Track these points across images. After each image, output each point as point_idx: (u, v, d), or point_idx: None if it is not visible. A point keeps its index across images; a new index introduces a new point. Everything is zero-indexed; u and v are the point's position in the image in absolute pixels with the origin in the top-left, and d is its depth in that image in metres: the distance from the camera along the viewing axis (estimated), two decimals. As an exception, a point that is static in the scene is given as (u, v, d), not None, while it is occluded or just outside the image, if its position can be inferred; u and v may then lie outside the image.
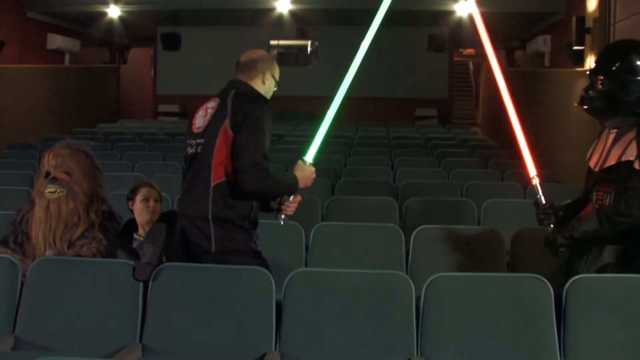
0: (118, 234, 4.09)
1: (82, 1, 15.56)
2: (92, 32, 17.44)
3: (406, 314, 3.34)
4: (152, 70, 20.28)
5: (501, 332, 3.29)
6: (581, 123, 9.07)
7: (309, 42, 19.07)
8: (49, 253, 3.83)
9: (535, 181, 3.75)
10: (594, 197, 3.60)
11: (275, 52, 19.01)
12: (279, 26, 16.58)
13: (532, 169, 3.77)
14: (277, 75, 3.84)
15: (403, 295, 3.37)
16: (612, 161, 3.52)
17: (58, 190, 3.86)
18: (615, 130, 3.58)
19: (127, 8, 15.72)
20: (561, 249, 3.51)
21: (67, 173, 3.92)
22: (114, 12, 15.83)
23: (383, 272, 3.53)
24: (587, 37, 10.08)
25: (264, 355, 3.27)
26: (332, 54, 18.03)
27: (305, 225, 4.81)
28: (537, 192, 3.75)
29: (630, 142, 3.49)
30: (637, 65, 3.53)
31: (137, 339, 3.39)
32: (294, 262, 4.50)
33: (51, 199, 3.86)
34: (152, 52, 20.17)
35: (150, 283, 3.43)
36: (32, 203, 4.00)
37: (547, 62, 13.96)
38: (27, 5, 15.11)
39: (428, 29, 17.37)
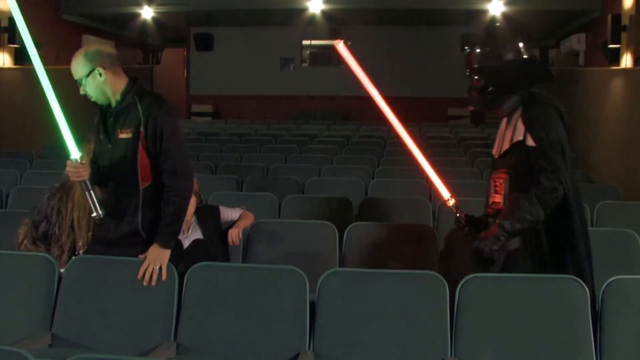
0: None
1: (116, 3, 15.70)
2: (125, 33, 17.60)
3: (440, 315, 3.34)
4: (185, 70, 20.40)
5: (536, 333, 3.26)
6: (616, 122, 8.98)
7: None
8: (86, 245, 3.88)
9: (452, 202, 3.66)
10: (492, 184, 3.59)
11: (308, 52, 19.06)
12: (311, 26, 16.59)
13: (444, 193, 3.68)
14: None
15: (437, 296, 3.37)
16: (506, 146, 3.52)
17: None
18: (507, 115, 3.60)
19: (161, 9, 15.84)
20: (495, 257, 3.40)
21: None
22: (147, 13, 15.96)
23: (417, 273, 3.52)
24: (623, 35, 9.97)
25: (298, 354, 3.27)
26: (365, 53, 18.00)
27: (338, 225, 4.81)
28: (457, 212, 3.66)
29: (517, 122, 3.48)
30: (500, 51, 3.52)
31: (172, 337, 3.41)
32: (327, 262, 4.50)
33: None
34: (185, 53, 20.29)
35: (185, 281, 3.45)
36: (63, 190, 4.01)
37: (581, 60, 13.81)
38: (62, 8, 15.30)
39: (461, 27, 17.26)
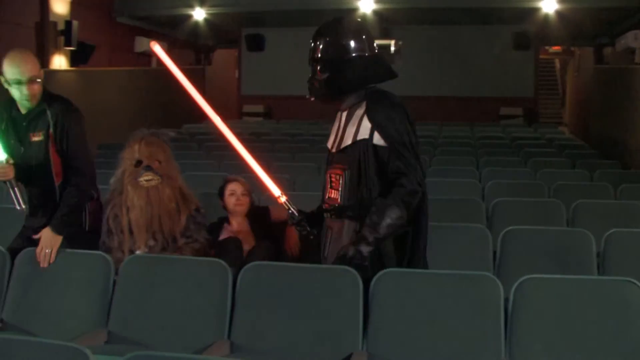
0: (208, 229, 4.23)
1: (169, 5, 15.88)
2: (178, 34, 17.78)
3: (494, 316, 3.29)
4: (236, 71, 20.54)
5: (592, 336, 3.20)
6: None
7: (393, 42, 18.97)
8: (147, 246, 3.93)
9: (283, 199, 3.62)
10: (328, 179, 3.54)
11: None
12: (362, 26, 16.54)
13: (275, 190, 3.64)
14: (5, 75, 3.73)
15: (491, 297, 3.32)
16: (348, 141, 3.44)
17: (155, 178, 3.95)
18: (347, 109, 3.51)
19: (212, 10, 15.97)
20: (365, 263, 3.30)
21: (159, 161, 4.01)
22: (199, 14, 16.11)
23: (471, 274, 3.49)
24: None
25: (351, 355, 3.27)
26: (416, 53, 17.93)
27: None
28: (290, 208, 3.61)
29: (362, 119, 3.40)
30: (344, 45, 3.44)
31: (226, 336, 3.44)
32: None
33: (149, 187, 3.94)
34: (236, 54, 20.43)
35: (238, 281, 3.48)
36: (118, 195, 4.06)
37: (637, 58, 13.56)
38: (116, 11, 15.53)
39: (513, 26, 17.07)
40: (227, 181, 4.68)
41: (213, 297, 3.49)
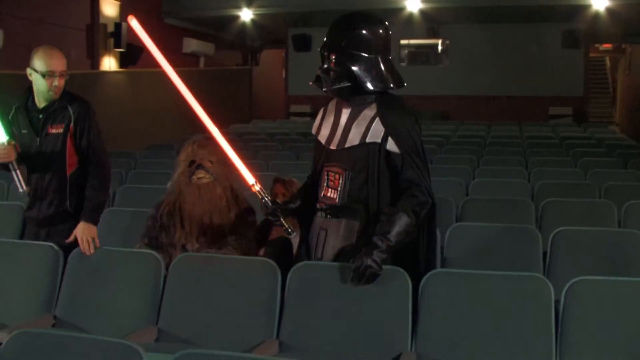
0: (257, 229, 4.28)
1: (217, 6, 16.03)
2: (225, 35, 17.93)
3: (544, 318, 3.24)
4: (283, 71, 20.63)
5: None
6: None
7: (440, 41, 18.91)
8: (198, 242, 3.99)
9: (257, 187, 3.56)
10: (325, 176, 3.47)
11: (406, 51, 18.97)
12: (409, 25, 16.52)
13: (249, 178, 3.60)
14: (38, 66, 3.99)
15: (541, 298, 3.27)
16: (354, 141, 3.36)
17: (206, 176, 4.05)
18: (351, 107, 3.43)
19: (259, 11, 16.08)
20: (380, 272, 3.21)
21: (211, 161, 4.09)
22: (246, 15, 16.22)
23: (521, 274, 3.44)
24: None
25: (400, 355, 3.25)
26: (463, 52, 17.82)
27: (440, 226, 4.76)
28: (263, 197, 3.56)
29: (372, 121, 3.34)
30: (375, 42, 3.36)
31: (275, 335, 3.44)
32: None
33: (201, 184, 4.03)
34: (283, 54, 20.51)
35: (288, 280, 3.48)
36: (173, 194, 4.16)
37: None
38: (164, 12, 15.71)
39: (562, 24, 16.87)
40: (273, 182, 4.74)
41: (262, 296, 3.49)
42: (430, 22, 16.79)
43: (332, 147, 3.46)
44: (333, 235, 3.46)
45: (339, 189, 3.41)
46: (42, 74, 3.96)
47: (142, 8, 14.51)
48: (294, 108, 19.11)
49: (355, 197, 3.38)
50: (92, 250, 3.85)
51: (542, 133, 13.10)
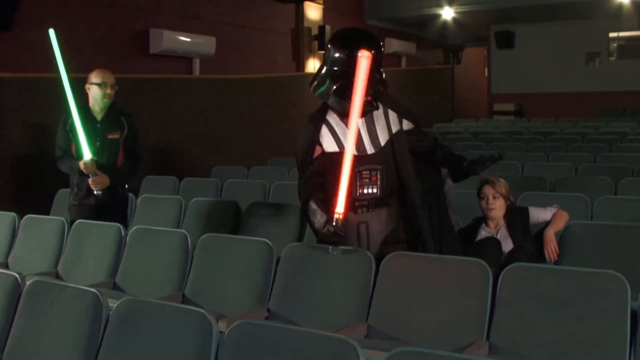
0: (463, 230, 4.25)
1: (418, 5, 16.05)
2: (426, 34, 17.91)
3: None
4: (485, 69, 20.31)
5: None
6: None
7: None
8: None
9: (338, 216, 3.54)
10: (358, 176, 3.77)
11: (615, 44, 18.10)
12: (618, 17, 15.76)
13: (340, 206, 3.54)
14: (95, 79, 5.21)
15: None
16: (383, 141, 3.82)
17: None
18: (364, 117, 3.76)
19: (461, 9, 15.93)
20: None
21: None
22: (447, 13, 16.13)
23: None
24: None
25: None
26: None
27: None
28: (337, 224, 3.58)
29: (387, 115, 3.85)
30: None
31: (485, 337, 3.38)
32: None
33: None
34: (485, 51, 20.20)
35: (499, 282, 3.41)
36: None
37: None
38: (366, 14, 15.93)
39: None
40: (481, 183, 4.63)
41: (474, 297, 3.44)
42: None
43: (366, 152, 3.81)
44: (376, 223, 3.86)
45: (378, 183, 3.81)
46: (98, 84, 5.16)
47: (345, 11, 14.81)
48: (498, 107, 18.73)
49: (390, 188, 3.83)
50: (98, 186, 5.07)
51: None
